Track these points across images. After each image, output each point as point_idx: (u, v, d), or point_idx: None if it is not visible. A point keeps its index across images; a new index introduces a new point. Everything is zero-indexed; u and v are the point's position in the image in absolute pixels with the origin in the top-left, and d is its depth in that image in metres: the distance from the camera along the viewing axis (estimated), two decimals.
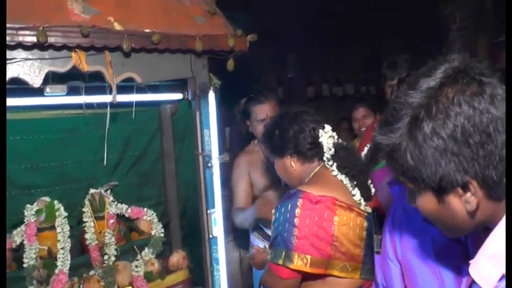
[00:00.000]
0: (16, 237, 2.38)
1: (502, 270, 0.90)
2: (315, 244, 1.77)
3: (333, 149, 2.02)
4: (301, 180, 2.03)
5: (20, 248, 2.41)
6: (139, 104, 2.49)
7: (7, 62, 1.87)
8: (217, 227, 2.32)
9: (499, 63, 5.76)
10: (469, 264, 0.98)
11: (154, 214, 2.70)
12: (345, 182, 1.95)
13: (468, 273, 0.98)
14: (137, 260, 2.54)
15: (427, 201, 0.99)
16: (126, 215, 2.67)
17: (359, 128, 4.01)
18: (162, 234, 2.68)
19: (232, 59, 2.32)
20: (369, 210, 1.88)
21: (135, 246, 2.58)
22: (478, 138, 0.88)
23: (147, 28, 2.08)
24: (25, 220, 2.41)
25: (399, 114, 0.95)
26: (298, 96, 6.33)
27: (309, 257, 1.77)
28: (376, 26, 6.07)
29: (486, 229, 0.99)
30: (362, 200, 1.93)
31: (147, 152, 2.94)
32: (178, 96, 2.64)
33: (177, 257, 2.64)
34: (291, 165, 2.05)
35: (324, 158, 2.03)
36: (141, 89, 2.45)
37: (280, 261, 1.79)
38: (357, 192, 1.93)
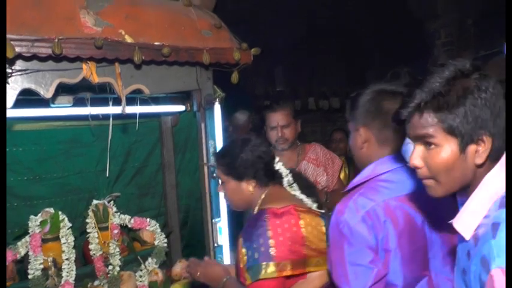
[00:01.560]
0: (20, 248, 2.38)
1: (478, 221, 1.17)
2: (291, 248, 1.90)
3: (289, 175, 2.19)
4: (250, 202, 2.12)
5: (24, 259, 2.41)
6: (141, 115, 2.53)
7: (21, 73, 1.90)
8: (222, 236, 2.35)
9: None
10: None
11: (157, 225, 2.72)
12: (297, 194, 2.14)
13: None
14: (141, 270, 2.56)
15: (450, 151, 1.20)
16: (129, 226, 2.68)
17: None
18: (165, 245, 2.70)
19: (236, 72, 2.38)
20: (321, 211, 2.10)
21: (138, 257, 2.59)
22: (497, 110, 1.16)
23: (157, 41, 2.13)
24: (29, 231, 2.41)
25: (444, 73, 1.18)
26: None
27: (289, 261, 1.88)
28: (362, 42, 6.21)
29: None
30: (314, 205, 2.11)
31: (148, 163, 2.98)
32: (180, 108, 2.69)
33: (180, 267, 2.65)
34: (248, 189, 2.12)
35: (285, 182, 2.17)
36: (143, 101, 2.50)
37: (263, 276, 1.85)
38: (308, 200, 2.12)
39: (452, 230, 1.26)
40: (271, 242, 1.89)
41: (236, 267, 2.10)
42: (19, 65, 1.88)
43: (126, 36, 2.05)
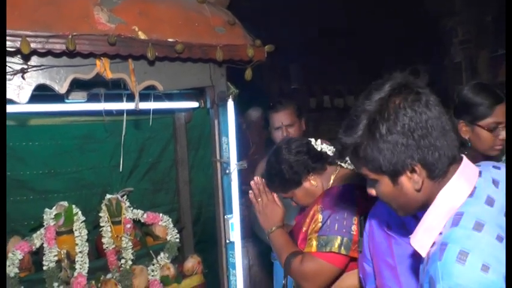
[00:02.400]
0: (36, 240, 2.41)
1: (433, 239, 1.18)
2: None
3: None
4: (322, 189, 2.09)
5: (39, 251, 2.45)
6: (154, 111, 2.55)
7: (36, 69, 1.93)
8: (234, 232, 2.36)
9: (500, 77, 5.86)
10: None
11: (170, 220, 2.74)
12: None
13: None
14: (153, 264, 2.58)
15: (384, 186, 1.26)
16: (142, 220, 2.71)
17: None
18: (178, 240, 2.72)
19: (250, 69, 2.38)
20: None
21: (151, 251, 2.62)
22: (420, 132, 1.17)
23: (170, 37, 2.14)
24: (44, 224, 2.44)
25: (359, 119, 1.22)
26: (301, 108, 6.38)
27: None
28: (378, 39, 6.16)
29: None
30: None
31: (161, 159, 2.99)
32: (194, 104, 2.70)
33: (192, 262, 2.68)
34: (312, 185, 2.11)
35: (337, 161, 2.11)
36: (157, 97, 2.51)
37: (335, 249, 1.84)
38: None
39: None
40: (355, 219, 1.87)
41: (296, 232, 2.08)
42: (34, 60, 1.90)
43: (140, 33, 2.07)
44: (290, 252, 1.99)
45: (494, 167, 1.33)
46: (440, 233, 1.18)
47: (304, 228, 2.00)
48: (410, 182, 1.21)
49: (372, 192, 1.33)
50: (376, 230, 1.64)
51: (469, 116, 2.16)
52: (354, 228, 1.85)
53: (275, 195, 2.21)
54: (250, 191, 2.26)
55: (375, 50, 6.30)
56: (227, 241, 2.40)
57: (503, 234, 1.11)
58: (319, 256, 1.87)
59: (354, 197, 1.89)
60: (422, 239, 1.22)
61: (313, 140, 2.20)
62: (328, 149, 2.18)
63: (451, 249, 1.09)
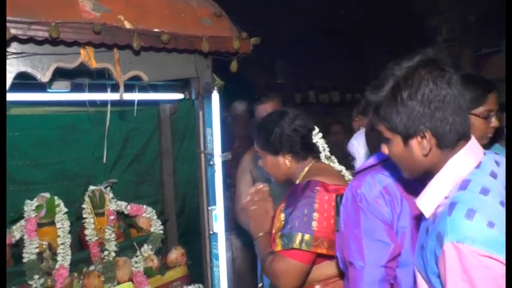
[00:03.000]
0: (15, 232, 2.38)
1: (438, 201, 1.29)
2: (333, 228, 1.86)
3: (327, 148, 2.19)
4: (292, 176, 2.13)
5: (19, 243, 2.41)
6: (139, 103, 2.53)
7: (16, 56, 1.89)
8: (218, 223, 2.35)
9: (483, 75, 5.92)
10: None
11: (154, 211, 2.73)
12: (343, 173, 2.16)
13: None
14: (136, 256, 2.57)
15: (396, 145, 1.36)
16: (126, 212, 2.69)
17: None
18: (161, 231, 2.71)
19: (235, 61, 2.37)
20: None
21: (134, 243, 2.60)
22: (436, 104, 1.27)
23: (156, 28, 2.11)
24: (25, 215, 2.41)
25: (385, 81, 1.33)
26: (286, 102, 6.39)
27: (327, 240, 1.86)
28: (363, 36, 6.19)
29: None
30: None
31: (146, 150, 2.98)
32: (179, 96, 2.68)
33: (176, 254, 2.67)
34: (285, 163, 2.12)
35: (322, 156, 2.18)
36: (142, 88, 2.49)
37: (296, 246, 1.84)
38: (347, 172, 2.19)
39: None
40: (315, 215, 1.87)
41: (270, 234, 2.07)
42: (14, 47, 1.86)
43: (125, 22, 2.04)
44: (266, 253, 2.00)
45: (494, 152, 1.46)
46: (446, 197, 1.28)
47: (273, 230, 2.01)
48: (420, 147, 1.32)
49: (385, 149, 1.43)
50: (350, 202, 1.70)
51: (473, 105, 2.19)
52: (315, 224, 1.86)
53: (270, 205, 2.22)
54: (247, 200, 2.27)
55: (361, 47, 6.34)
56: (210, 232, 2.39)
57: (505, 202, 1.23)
58: (284, 254, 1.87)
59: (314, 193, 1.91)
60: (428, 200, 1.33)
61: (316, 130, 2.20)
62: (322, 146, 2.19)
63: (460, 208, 1.18)
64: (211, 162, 2.36)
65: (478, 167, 1.31)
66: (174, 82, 2.56)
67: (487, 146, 2.22)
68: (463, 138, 1.32)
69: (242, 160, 3.17)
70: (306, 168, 2.11)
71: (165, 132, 2.97)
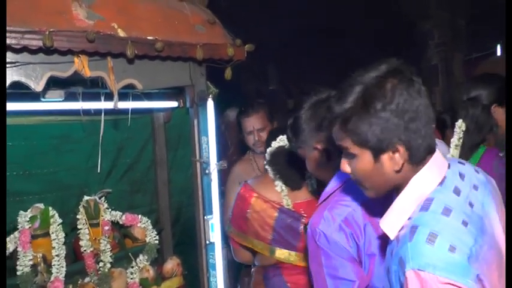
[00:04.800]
0: (9, 244, 2.34)
1: (402, 222, 1.23)
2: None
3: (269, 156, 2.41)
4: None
5: (13, 255, 2.37)
6: (133, 111, 2.51)
7: (10, 65, 1.87)
8: (214, 233, 2.33)
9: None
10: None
11: (149, 221, 2.70)
12: (276, 184, 2.35)
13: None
14: (132, 267, 2.54)
15: (364, 161, 1.27)
16: (121, 222, 2.66)
17: None
18: (157, 241, 2.68)
19: (230, 68, 2.36)
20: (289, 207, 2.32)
21: (130, 253, 2.57)
22: (411, 115, 1.20)
23: (150, 35, 2.10)
24: (18, 227, 2.37)
25: (353, 90, 1.24)
26: (279, 108, 6.41)
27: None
28: (356, 41, 6.21)
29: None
30: (288, 201, 2.32)
31: (140, 159, 2.95)
32: (173, 104, 2.66)
33: (172, 264, 2.64)
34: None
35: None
36: (135, 97, 2.47)
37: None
38: (285, 196, 2.33)
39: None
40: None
41: None
42: (8, 57, 1.83)
43: (119, 30, 2.03)
44: None
45: (459, 162, 1.42)
46: (409, 218, 1.23)
47: None
48: (391, 162, 1.24)
49: (346, 167, 1.33)
50: (310, 239, 1.65)
51: (497, 98, 2.33)
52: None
53: None
54: None
55: (353, 52, 6.35)
56: (207, 242, 2.37)
57: (468, 220, 1.19)
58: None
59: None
60: (391, 222, 1.28)
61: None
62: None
63: (421, 231, 1.15)
64: (207, 171, 2.34)
65: (441, 183, 1.27)
66: (167, 90, 2.54)
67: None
68: (431, 152, 1.27)
69: (232, 170, 3.16)
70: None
71: (159, 140, 2.95)
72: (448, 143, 3.20)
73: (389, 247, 1.32)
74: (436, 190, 1.25)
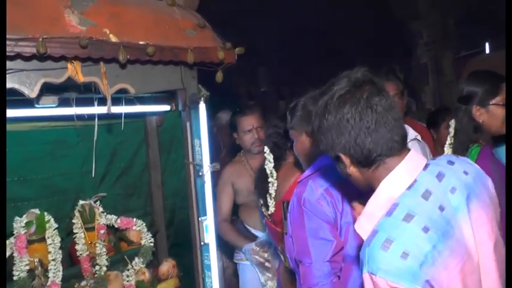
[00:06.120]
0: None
1: (373, 225, 1.27)
2: None
3: None
4: None
5: (9, 261, 2.39)
6: (126, 115, 2.53)
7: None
8: (209, 234, 2.36)
9: (463, 77, 6.03)
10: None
11: (144, 224, 2.72)
12: None
13: None
14: (128, 269, 2.56)
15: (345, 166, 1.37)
16: (116, 226, 2.68)
17: None
18: (152, 244, 2.70)
19: (221, 71, 2.39)
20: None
21: (125, 256, 2.59)
22: (344, 128, 1.30)
23: (141, 40, 2.13)
24: (14, 232, 2.39)
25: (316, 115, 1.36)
26: (271, 110, 6.44)
27: None
28: (347, 42, 6.26)
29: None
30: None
31: (133, 163, 2.98)
32: (165, 107, 2.69)
33: (167, 266, 2.67)
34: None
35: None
36: (128, 101, 2.50)
37: None
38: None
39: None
40: None
41: None
42: None
43: (111, 36, 2.05)
44: None
45: (449, 161, 1.41)
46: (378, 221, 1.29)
47: None
48: (342, 167, 1.38)
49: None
50: (295, 206, 1.91)
51: (480, 99, 2.33)
52: None
53: None
54: None
55: (343, 52, 6.41)
56: (202, 243, 2.40)
57: (430, 226, 1.22)
58: None
59: None
60: (364, 224, 1.35)
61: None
62: None
63: (379, 237, 1.21)
64: (200, 173, 2.37)
65: (410, 187, 1.30)
66: (159, 94, 2.57)
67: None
68: (390, 154, 1.32)
69: (223, 171, 3.21)
70: None
71: (152, 144, 2.98)
72: (440, 142, 3.30)
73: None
74: (404, 194, 1.28)
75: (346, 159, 1.34)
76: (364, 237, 1.31)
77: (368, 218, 1.33)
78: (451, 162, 1.40)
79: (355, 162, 1.33)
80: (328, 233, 1.80)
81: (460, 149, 2.41)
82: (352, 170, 1.36)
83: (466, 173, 1.38)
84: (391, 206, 1.27)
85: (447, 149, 2.47)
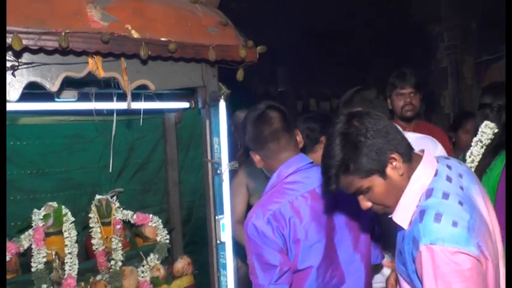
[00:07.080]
0: (24, 241, 2.38)
1: (412, 212, 1.50)
2: None
3: None
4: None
5: (27, 252, 2.41)
6: (144, 112, 2.55)
7: (27, 66, 1.90)
8: (225, 233, 2.35)
9: (484, 82, 5.95)
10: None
11: (160, 221, 2.73)
12: None
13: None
14: (143, 265, 2.56)
15: (378, 185, 1.52)
16: (132, 221, 2.69)
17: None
18: (168, 241, 2.71)
19: (241, 69, 2.38)
20: None
21: (141, 252, 2.60)
22: (385, 130, 1.51)
23: (163, 37, 2.12)
24: (33, 224, 2.41)
25: (333, 143, 1.52)
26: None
27: None
28: (365, 43, 6.21)
29: None
30: None
31: (151, 159, 2.98)
32: (185, 104, 2.69)
33: (182, 263, 2.67)
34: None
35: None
36: (147, 97, 2.50)
37: None
38: None
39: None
40: None
41: None
42: (26, 58, 1.87)
43: (133, 32, 2.05)
44: None
45: (445, 157, 1.73)
46: (417, 206, 1.49)
47: None
48: (395, 170, 1.51)
49: (367, 204, 1.57)
50: (245, 231, 1.98)
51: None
52: None
53: None
54: None
55: (362, 54, 6.36)
56: (218, 242, 2.39)
57: (462, 200, 1.46)
58: None
59: None
60: (402, 214, 1.54)
61: None
62: None
63: (429, 213, 1.42)
64: (219, 171, 2.36)
65: (436, 175, 1.54)
66: (179, 91, 2.57)
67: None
68: (411, 148, 1.58)
69: (238, 172, 3.18)
70: None
71: (170, 141, 2.97)
72: (460, 145, 3.33)
73: (399, 234, 1.59)
74: (433, 180, 1.52)
75: (399, 158, 1.50)
76: (405, 226, 1.52)
77: (406, 208, 1.52)
78: (447, 158, 1.70)
79: (403, 157, 1.52)
80: (274, 258, 1.89)
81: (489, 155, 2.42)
82: (400, 168, 1.51)
83: (460, 163, 1.68)
84: (427, 191, 1.50)
85: (479, 149, 2.48)
